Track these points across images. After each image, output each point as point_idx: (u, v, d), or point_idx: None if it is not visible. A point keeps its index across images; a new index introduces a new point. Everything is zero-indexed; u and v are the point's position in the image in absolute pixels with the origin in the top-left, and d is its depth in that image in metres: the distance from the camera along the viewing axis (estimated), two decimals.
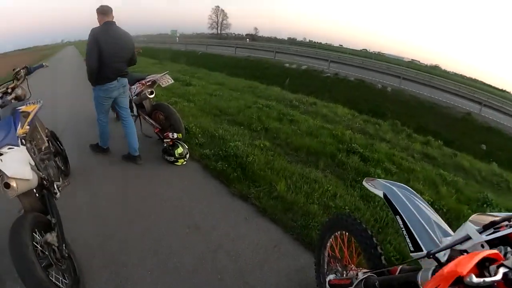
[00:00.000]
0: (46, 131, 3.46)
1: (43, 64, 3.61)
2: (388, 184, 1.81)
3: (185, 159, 4.40)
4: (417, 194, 1.74)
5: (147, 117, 4.99)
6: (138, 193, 3.68)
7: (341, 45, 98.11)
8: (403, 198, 1.66)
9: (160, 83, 4.57)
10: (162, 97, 7.89)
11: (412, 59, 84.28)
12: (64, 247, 2.21)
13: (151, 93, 4.69)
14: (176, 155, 4.34)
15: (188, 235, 2.99)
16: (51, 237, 2.15)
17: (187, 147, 4.54)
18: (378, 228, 3.27)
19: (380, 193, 1.76)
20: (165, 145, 4.50)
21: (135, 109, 5.09)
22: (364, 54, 66.42)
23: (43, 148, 3.02)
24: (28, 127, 2.55)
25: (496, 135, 15.81)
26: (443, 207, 4.04)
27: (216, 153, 4.51)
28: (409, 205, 1.61)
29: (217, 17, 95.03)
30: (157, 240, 2.91)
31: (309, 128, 6.28)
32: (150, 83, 4.67)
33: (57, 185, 2.67)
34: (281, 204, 3.44)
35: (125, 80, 4.21)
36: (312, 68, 22.12)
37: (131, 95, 4.88)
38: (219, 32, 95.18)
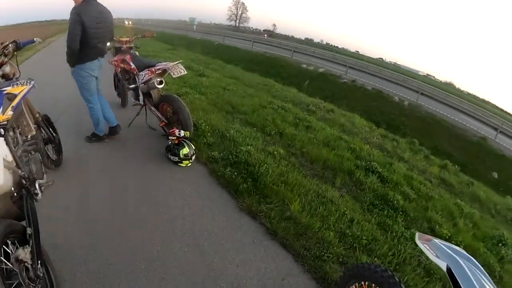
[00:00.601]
0: (38, 115, 3.11)
1: (35, 39, 3.18)
2: (452, 253, 1.47)
3: (190, 160, 4.00)
4: (483, 271, 1.46)
5: (153, 108, 4.59)
6: (134, 196, 3.31)
7: (357, 51, 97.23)
8: (469, 275, 1.35)
9: (172, 73, 4.12)
10: (173, 85, 7.46)
11: (427, 74, 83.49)
12: (39, 265, 1.80)
13: (161, 83, 4.24)
14: (181, 156, 3.94)
15: (186, 255, 2.59)
16: (24, 252, 1.73)
17: (194, 147, 4.13)
18: (396, 264, 2.92)
19: (443, 265, 1.42)
20: (170, 142, 4.08)
21: (141, 97, 4.73)
22: (380, 63, 65.54)
23: (29, 137, 2.65)
24: (11, 112, 2.15)
25: (509, 164, 15.30)
26: (460, 243, 3.74)
27: (225, 157, 4.09)
28: (476, 285, 1.31)
29: (237, 9, 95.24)
30: (150, 258, 2.50)
31: (326, 137, 5.86)
32: (160, 71, 4.26)
33: (39, 184, 2.25)
34: (293, 227, 3.03)
35: (103, 61, 4.17)
36: (329, 72, 21.55)
37: (138, 82, 4.51)
38: (237, 24, 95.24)
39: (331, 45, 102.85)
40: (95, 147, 4.36)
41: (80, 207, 3.04)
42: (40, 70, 8.76)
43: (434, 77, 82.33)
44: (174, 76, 4.14)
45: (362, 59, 57.24)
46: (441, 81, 75.95)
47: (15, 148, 2.26)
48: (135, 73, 4.66)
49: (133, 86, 4.77)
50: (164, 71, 4.22)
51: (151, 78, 4.26)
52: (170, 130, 4.07)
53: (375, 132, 8.30)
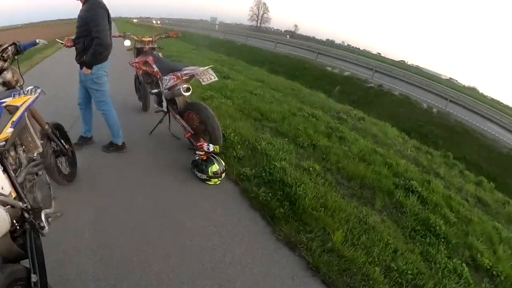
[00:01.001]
0: (47, 127, 2.80)
1: (37, 40, 2.74)
2: None
3: (220, 178, 3.63)
4: None
5: (177, 116, 4.24)
6: (156, 220, 2.96)
7: (379, 53, 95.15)
8: None
9: (201, 80, 3.70)
10: (196, 88, 6.99)
11: (449, 78, 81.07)
12: None
13: (187, 90, 3.81)
14: (210, 174, 3.56)
15: None
16: None
17: (224, 164, 3.72)
18: None
19: None
20: (197, 157, 3.70)
21: (164, 103, 4.38)
22: (403, 66, 63.86)
23: (35, 154, 2.30)
24: (11, 129, 1.83)
25: None
26: (500, 274, 3.43)
27: (258, 174, 3.73)
28: None
29: (259, 9, 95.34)
30: None
31: (361, 150, 5.46)
32: (187, 77, 3.85)
33: (46, 215, 1.89)
34: (337, 261, 2.66)
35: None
36: (355, 75, 20.96)
37: (162, 87, 4.18)
38: (258, 25, 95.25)
39: (353, 46, 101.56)
40: (112, 158, 4.06)
41: (94, 232, 2.73)
42: (49, 77, 8.58)
43: (456, 81, 79.80)
44: (203, 83, 3.73)
45: (385, 61, 56.02)
46: (464, 86, 73.24)
47: (16, 172, 1.94)
48: (158, 77, 4.32)
49: (155, 91, 4.46)
50: (192, 76, 3.83)
51: (176, 84, 3.90)
52: (198, 144, 3.70)
53: (408, 144, 7.83)
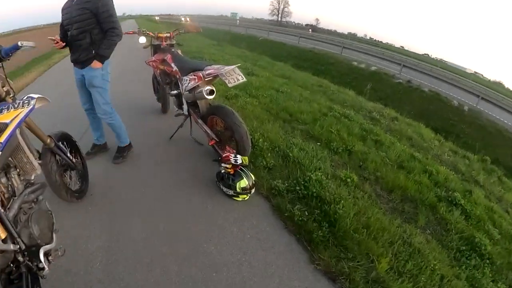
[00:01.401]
0: (49, 141, 2.45)
1: (19, 43, 2.25)
2: None
3: (249, 194, 3.21)
4: None
5: (200, 121, 3.83)
6: (178, 247, 2.60)
7: (402, 47, 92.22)
8: None
9: (226, 81, 3.16)
10: (219, 86, 6.35)
11: (475, 72, 78.02)
12: None
13: (211, 92, 3.33)
14: (238, 190, 3.13)
15: None
16: None
17: (253, 177, 3.26)
18: None
19: None
20: (223, 171, 3.25)
21: (185, 106, 3.99)
22: (427, 59, 61.67)
23: (32, 177, 1.97)
24: None
25: None
26: None
27: (291, 187, 3.36)
28: None
29: (279, 4, 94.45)
30: None
31: (399, 156, 5.04)
32: (210, 77, 3.36)
33: (45, 253, 1.61)
34: None
35: None
36: (382, 70, 20.26)
37: (182, 89, 3.76)
38: (279, 19, 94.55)
39: (375, 40, 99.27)
40: (126, 169, 3.73)
41: (106, 261, 2.41)
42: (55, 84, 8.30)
43: (482, 75, 76.66)
44: (229, 85, 3.22)
45: (409, 55, 54.26)
46: (489, 80, 70.06)
47: (9, 202, 1.65)
48: (177, 77, 3.91)
49: (175, 92, 4.08)
50: (215, 77, 3.35)
51: (198, 86, 3.46)
52: (224, 156, 3.25)
53: (445, 147, 7.32)
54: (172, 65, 4.03)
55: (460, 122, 14.41)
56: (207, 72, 3.35)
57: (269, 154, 3.98)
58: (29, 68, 11.96)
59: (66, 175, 2.86)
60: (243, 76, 3.32)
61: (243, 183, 3.12)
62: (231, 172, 3.19)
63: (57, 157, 2.66)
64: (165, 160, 3.99)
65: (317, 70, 16.67)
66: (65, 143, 2.83)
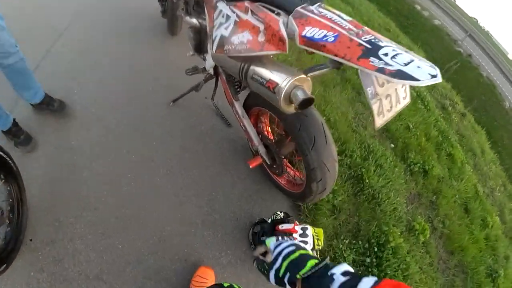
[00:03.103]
0: None
1: None
2: None
3: None
4: None
5: (239, 111, 2.01)
6: None
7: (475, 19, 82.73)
8: None
9: (377, 107, 1.20)
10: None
11: None
12: None
13: (305, 104, 1.33)
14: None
15: None
16: None
17: (321, 244, 1.59)
18: None
19: None
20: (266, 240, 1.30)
21: (209, 61, 2.06)
22: (474, 25, 55.65)
23: None
24: None
25: None
26: None
27: (360, 250, 2.09)
28: None
29: None
30: None
31: (466, 190, 3.76)
32: (316, 50, 1.22)
33: None
34: None
35: None
36: (446, 29, 17.55)
37: (209, 33, 1.87)
38: None
39: None
40: (80, 150, 2.04)
41: None
42: None
43: None
44: (378, 124, 1.24)
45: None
46: None
47: None
48: None
49: (193, 22, 2.05)
50: (338, 64, 1.26)
51: (264, 61, 1.55)
52: (290, 228, 1.61)
53: (497, 178, 5.90)
54: None
55: (504, 128, 12.67)
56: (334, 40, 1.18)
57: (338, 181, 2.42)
58: None
59: None
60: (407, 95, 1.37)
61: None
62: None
63: None
64: (160, 148, 2.24)
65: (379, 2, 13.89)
66: None
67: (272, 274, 0.81)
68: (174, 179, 2.08)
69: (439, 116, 4.86)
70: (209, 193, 2.08)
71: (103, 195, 1.86)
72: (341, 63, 1.18)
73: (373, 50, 1.07)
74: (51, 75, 2.37)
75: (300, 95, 1.31)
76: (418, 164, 3.26)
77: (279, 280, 0.79)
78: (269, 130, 2.16)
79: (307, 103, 1.33)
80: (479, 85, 14.19)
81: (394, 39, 6.68)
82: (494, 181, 5.57)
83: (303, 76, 1.38)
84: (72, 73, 2.45)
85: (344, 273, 0.67)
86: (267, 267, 0.84)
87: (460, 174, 3.94)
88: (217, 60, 1.86)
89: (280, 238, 0.94)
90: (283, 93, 1.35)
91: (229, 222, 1.98)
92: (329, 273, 0.68)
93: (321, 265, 0.71)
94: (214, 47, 1.76)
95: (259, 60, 1.55)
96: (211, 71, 2.18)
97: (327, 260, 0.73)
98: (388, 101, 1.24)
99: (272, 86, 1.40)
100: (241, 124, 2.02)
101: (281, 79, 1.37)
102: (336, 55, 1.13)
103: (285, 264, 0.78)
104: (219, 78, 2.19)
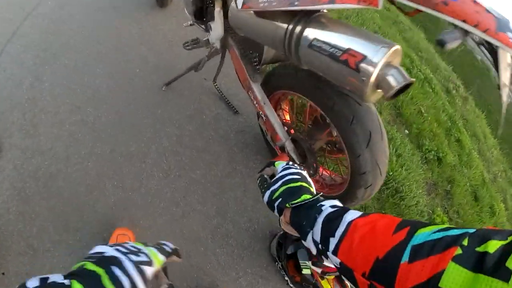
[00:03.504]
0: None
1: None
2: None
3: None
4: None
5: (258, 96, 1.59)
6: None
7: None
8: None
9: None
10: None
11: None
12: None
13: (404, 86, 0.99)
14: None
15: None
16: None
17: None
18: None
19: None
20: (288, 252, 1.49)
21: (217, 28, 1.68)
22: None
23: None
24: None
25: None
26: None
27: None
28: None
29: None
30: None
31: (475, 178, 3.65)
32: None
33: None
34: None
35: None
36: None
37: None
38: None
39: None
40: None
41: None
42: None
43: None
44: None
45: None
46: None
47: None
48: None
49: None
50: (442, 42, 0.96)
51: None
52: (325, 267, 1.38)
53: (499, 163, 5.84)
54: None
55: (499, 110, 12.65)
56: None
57: None
58: None
59: None
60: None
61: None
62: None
63: None
64: (145, 149, 1.93)
65: None
66: None
67: (267, 194, 0.79)
68: (173, 184, 1.80)
69: (445, 100, 4.69)
70: (218, 199, 1.80)
71: (84, 211, 1.57)
72: (464, 33, 0.82)
73: (503, 22, 0.77)
74: (17, 60, 2.06)
75: (400, 79, 0.93)
76: (433, 152, 3.10)
77: (271, 201, 0.77)
78: (289, 119, 1.82)
79: (403, 89, 0.96)
80: (474, 68, 14.04)
81: (394, 18, 6.46)
82: (497, 167, 5.48)
83: (398, 47, 0.98)
84: (42, 57, 2.14)
85: (333, 206, 0.66)
86: (266, 186, 0.82)
87: (468, 161, 3.82)
88: (242, 23, 1.40)
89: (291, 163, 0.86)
90: (375, 73, 0.93)
91: (245, 232, 1.72)
92: (318, 205, 0.67)
93: (312, 198, 0.70)
94: (240, 2, 1.30)
95: (317, 21, 1.09)
96: (217, 44, 1.78)
97: (319, 196, 0.73)
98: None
99: (354, 60, 0.95)
100: (261, 112, 1.60)
101: (372, 50, 0.93)
102: (465, 21, 0.78)
103: (282, 189, 0.76)
104: (226, 53, 1.83)
